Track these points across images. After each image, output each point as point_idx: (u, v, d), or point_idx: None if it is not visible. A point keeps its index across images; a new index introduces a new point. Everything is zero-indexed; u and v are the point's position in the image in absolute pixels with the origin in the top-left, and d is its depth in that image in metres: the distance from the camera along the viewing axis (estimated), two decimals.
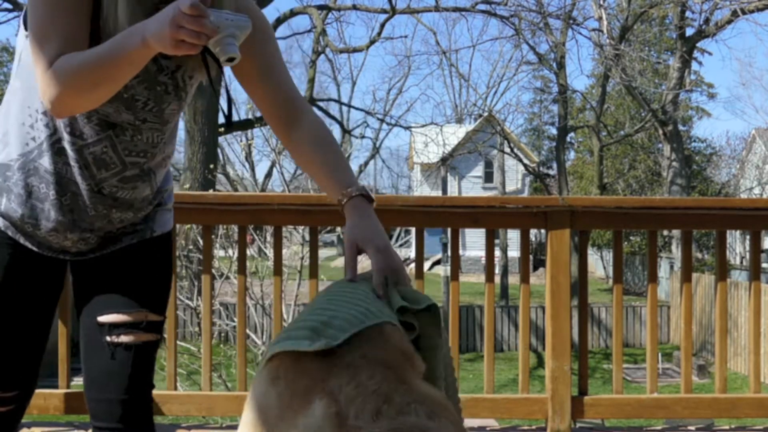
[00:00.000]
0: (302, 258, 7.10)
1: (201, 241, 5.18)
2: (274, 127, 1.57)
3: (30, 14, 1.35)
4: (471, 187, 32.22)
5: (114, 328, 1.55)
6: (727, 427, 3.17)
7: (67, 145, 1.44)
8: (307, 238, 6.51)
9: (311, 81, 15.54)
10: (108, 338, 1.54)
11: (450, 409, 1.10)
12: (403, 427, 0.98)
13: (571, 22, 17.14)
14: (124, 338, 1.55)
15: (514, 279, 23.07)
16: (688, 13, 19.22)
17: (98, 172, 1.47)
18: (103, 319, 1.55)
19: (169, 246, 1.70)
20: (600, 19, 16.68)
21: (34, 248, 1.53)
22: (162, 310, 1.63)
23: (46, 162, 1.45)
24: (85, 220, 1.50)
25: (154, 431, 1.60)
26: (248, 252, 4.39)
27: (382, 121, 23.98)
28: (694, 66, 27.40)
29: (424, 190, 32.75)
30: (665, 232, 21.48)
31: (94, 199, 1.49)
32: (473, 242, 28.45)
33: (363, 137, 20.53)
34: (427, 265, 28.88)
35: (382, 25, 15.22)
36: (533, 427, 3.04)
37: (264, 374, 1.17)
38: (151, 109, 1.46)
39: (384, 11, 15.03)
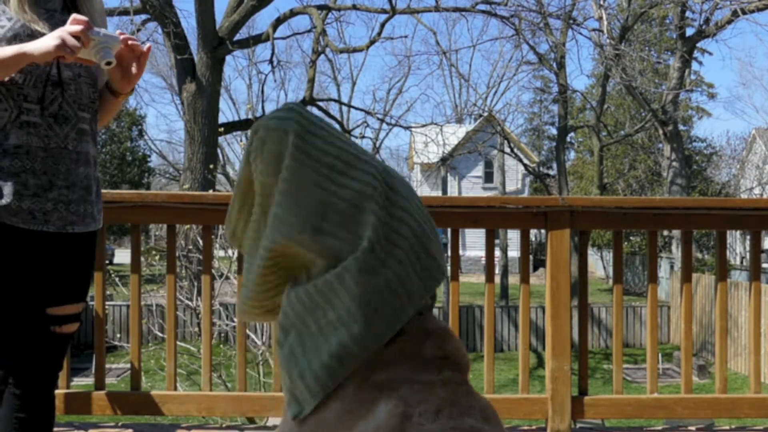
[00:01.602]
0: None
1: (201, 241, 5.18)
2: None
3: None
4: (471, 187, 32.22)
5: (60, 319, 1.82)
6: (727, 428, 3.17)
7: (32, 116, 1.73)
8: None
9: (311, 81, 15.51)
10: (53, 328, 1.82)
11: (497, 415, 1.15)
12: (464, 427, 1.02)
13: (571, 22, 17.12)
14: (65, 328, 1.84)
15: (514, 279, 23.08)
16: (688, 13, 19.21)
17: (61, 129, 1.76)
18: (54, 311, 1.81)
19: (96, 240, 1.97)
20: (600, 19, 16.66)
21: (20, 225, 1.72)
22: (86, 298, 1.91)
23: (12, 140, 1.71)
24: (59, 178, 1.76)
25: (54, 402, 1.95)
26: None
27: (382, 121, 23.95)
28: (695, 66, 27.48)
29: (424, 190, 32.74)
30: (665, 232, 21.47)
31: (61, 155, 1.76)
32: (473, 242, 28.46)
33: (363, 137, 20.42)
34: None
35: (382, 25, 15.20)
36: (533, 427, 3.04)
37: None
38: (80, 65, 1.80)
39: (384, 11, 15.01)
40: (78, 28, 1.64)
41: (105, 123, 2.00)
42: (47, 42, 1.63)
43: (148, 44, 1.80)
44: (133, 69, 1.81)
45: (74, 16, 1.66)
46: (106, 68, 1.73)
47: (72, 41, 1.63)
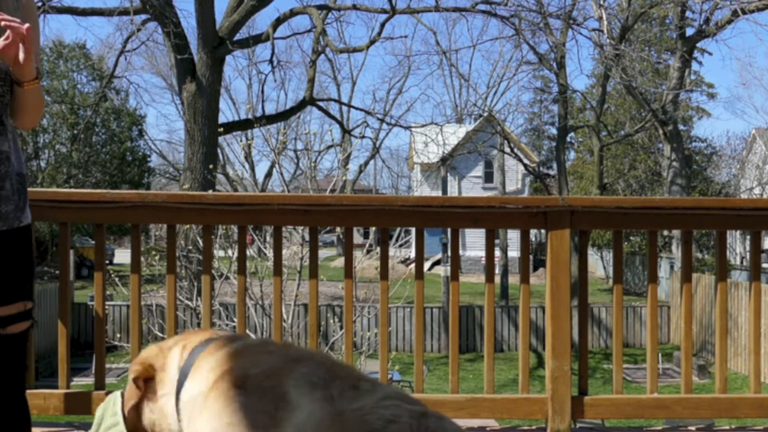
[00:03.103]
0: (302, 258, 7.09)
1: (201, 241, 5.18)
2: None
3: None
4: (471, 187, 32.21)
5: (1, 321, 1.72)
6: (727, 428, 3.17)
7: None
8: (307, 238, 6.51)
9: (311, 81, 15.51)
10: None
11: None
12: (388, 394, 1.04)
13: (571, 22, 17.11)
14: (10, 329, 1.74)
15: (514, 279, 23.07)
16: (688, 13, 19.21)
17: None
18: None
19: (30, 236, 1.86)
20: (600, 19, 16.66)
21: None
22: (32, 296, 1.81)
23: None
24: None
25: (27, 405, 1.82)
26: (248, 252, 4.39)
27: (382, 121, 23.97)
28: (694, 66, 27.45)
29: (424, 190, 32.73)
30: (665, 232, 21.47)
31: None
32: (473, 242, 28.45)
33: (363, 137, 20.47)
34: (427, 265, 28.90)
35: (382, 25, 15.21)
36: (533, 427, 3.04)
37: (217, 402, 1.15)
38: None
39: (384, 11, 15.02)
40: None
41: (30, 119, 1.89)
42: None
43: (26, 24, 1.68)
44: (20, 54, 1.69)
45: None
46: None
47: None
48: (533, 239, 28.47)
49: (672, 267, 20.16)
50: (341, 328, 7.12)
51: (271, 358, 1.16)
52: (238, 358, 1.22)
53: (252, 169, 30.19)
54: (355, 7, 15.52)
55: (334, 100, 24.39)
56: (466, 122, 33.95)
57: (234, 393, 1.12)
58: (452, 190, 30.41)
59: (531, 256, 3.33)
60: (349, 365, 1.18)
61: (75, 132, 26.22)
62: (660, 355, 13.05)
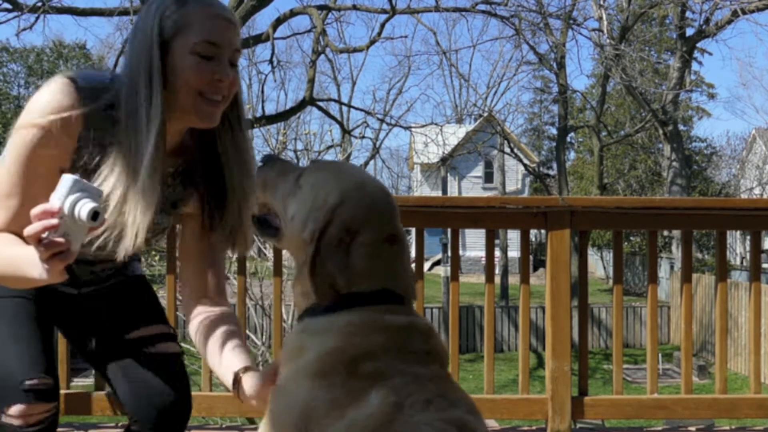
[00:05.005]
0: None
1: None
2: (192, 288, 1.71)
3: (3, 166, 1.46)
4: (471, 187, 32.22)
5: (147, 340, 1.69)
6: (727, 428, 3.17)
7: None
8: None
9: (311, 81, 15.48)
10: (147, 350, 1.67)
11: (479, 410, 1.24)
12: (450, 418, 1.11)
13: (571, 22, 17.09)
14: (160, 348, 1.69)
15: (514, 279, 23.08)
16: (688, 13, 19.20)
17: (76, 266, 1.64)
18: (134, 335, 1.70)
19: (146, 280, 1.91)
20: (600, 19, 16.65)
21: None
22: (169, 324, 1.81)
23: None
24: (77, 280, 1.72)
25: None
26: (248, 252, 4.38)
27: (382, 121, 23.95)
28: (695, 66, 27.43)
29: (424, 190, 32.73)
30: (665, 232, 21.47)
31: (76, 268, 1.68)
32: (473, 242, 28.45)
33: (363, 137, 20.38)
34: (427, 265, 28.90)
35: (382, 25, 15.18)
36: (533, 428, 3.04)
37: (309, 369, 1.18)
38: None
39: (384, 11, 15.00)
40: (38, 226, 1.20)
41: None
42: (32, 272, 1.28)
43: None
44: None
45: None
46: (92, 224, 1.22)
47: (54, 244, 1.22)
48: (533, 239, 28.47)
49: (672, 267, 20.16)
50: None
51: (385, 358, 1.18)
52: (359, 337, 1.21)
53: None
54: (355, 7, 15.50)
55: (334, 100, 24.37)
56: (466, 122, 33.94)
57: (335, 369, 1.16)
58: (452, 190, 30.43)
59: (531, 256, 3.33)
60: (452, 383, 1.23)
61: None
62: (660, 355, 13.05)
